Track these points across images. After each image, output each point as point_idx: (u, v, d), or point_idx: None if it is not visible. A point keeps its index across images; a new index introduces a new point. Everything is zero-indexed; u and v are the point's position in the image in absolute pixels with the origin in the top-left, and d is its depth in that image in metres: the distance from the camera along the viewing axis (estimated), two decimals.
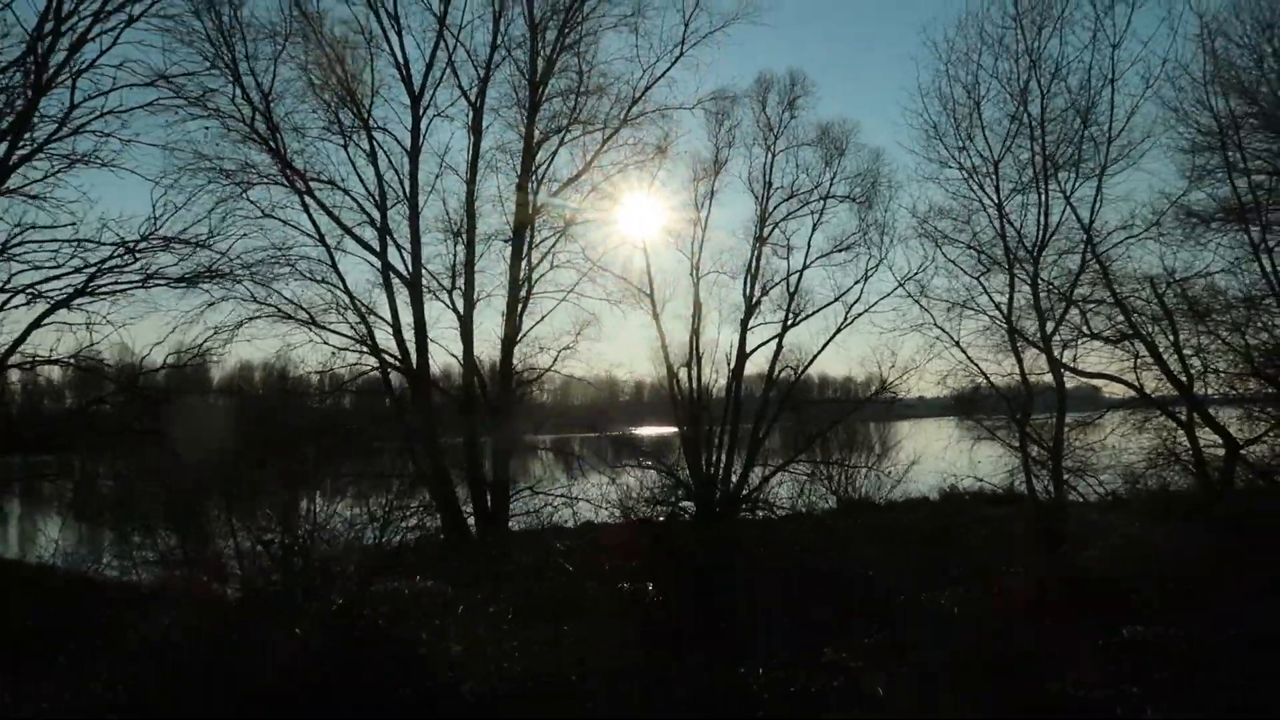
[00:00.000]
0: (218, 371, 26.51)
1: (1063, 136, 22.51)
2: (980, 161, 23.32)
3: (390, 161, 23.76)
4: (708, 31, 25.17)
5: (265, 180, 22.22)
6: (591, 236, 26.19)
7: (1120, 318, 22.00)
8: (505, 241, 24.06)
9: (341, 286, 22.83)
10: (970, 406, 24.71)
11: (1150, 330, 21.72)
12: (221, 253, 18.48)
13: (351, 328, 23.17)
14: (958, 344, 23.98)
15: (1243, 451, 20.12)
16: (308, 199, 22.82)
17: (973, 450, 24.94)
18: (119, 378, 19.38)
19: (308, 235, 22.91)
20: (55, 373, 21.59)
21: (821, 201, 27.23)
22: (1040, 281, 22.55)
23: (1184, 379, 20.66)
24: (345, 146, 23.29)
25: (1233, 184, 19.91)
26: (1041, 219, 22.59)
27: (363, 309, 23.09)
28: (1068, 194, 22.14)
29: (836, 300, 26.89)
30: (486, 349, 25.73)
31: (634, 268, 27.58)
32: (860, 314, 26.81)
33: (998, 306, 23.43)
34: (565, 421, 31.98)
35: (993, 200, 23.12)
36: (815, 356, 27.34)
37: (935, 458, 27.37)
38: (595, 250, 26.10)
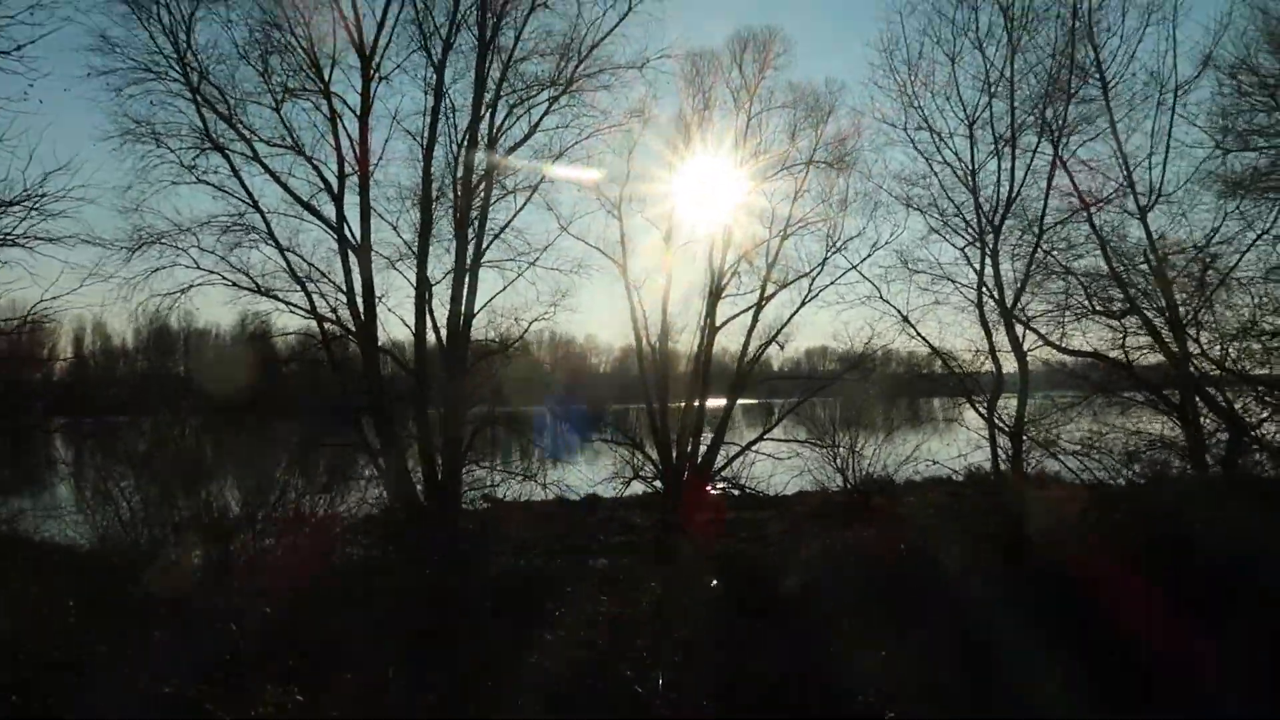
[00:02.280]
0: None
1: (1046, 92, 21.15)
2: (957, 124, 22.14)
3: (344, 127, 23.15)
4: None
5: (206, 146, 21.63)
6: (565, 203, 25.44)
7: (1115, 292, 20.74)
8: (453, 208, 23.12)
9: (280, 255, 22.19)
10: (930, 386, 23.56)
11: (1146, 305, 20.43)
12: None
13: (307, 296, 22.61)
14: (905, 319, 22.82)
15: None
16: (256, 166, 22.32)
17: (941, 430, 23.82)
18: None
19: (243, 202, 22.29)
20: None
21: (804, 168, 26.14)
22: (1003, 251, 21.38)
23: (1183, 359, 19.32)
24: (280, 111, 22.44)
25: None
26: (1006, 184, 21.31)
27: (302, 276, 22.44)
28: (1061, 154, 20.70)
29: (812, 272, 25.81)
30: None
31: (609, 237, 26.75)
32: (827, 285, 25.71)
33: (974, 281, 22.29)
34: (540, 393, 31.25)
35: (966, 165, 21.95)
36: (778, 332, 26.25)
37: (903, 440, 26.10)
38: (572, 217, 25.33)
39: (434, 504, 22.29)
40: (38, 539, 17.21)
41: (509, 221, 24.19)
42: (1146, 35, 19.81)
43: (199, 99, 21.60)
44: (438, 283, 23.31)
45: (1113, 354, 21.16)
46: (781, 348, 27.49)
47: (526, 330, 25.73)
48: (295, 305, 22.61)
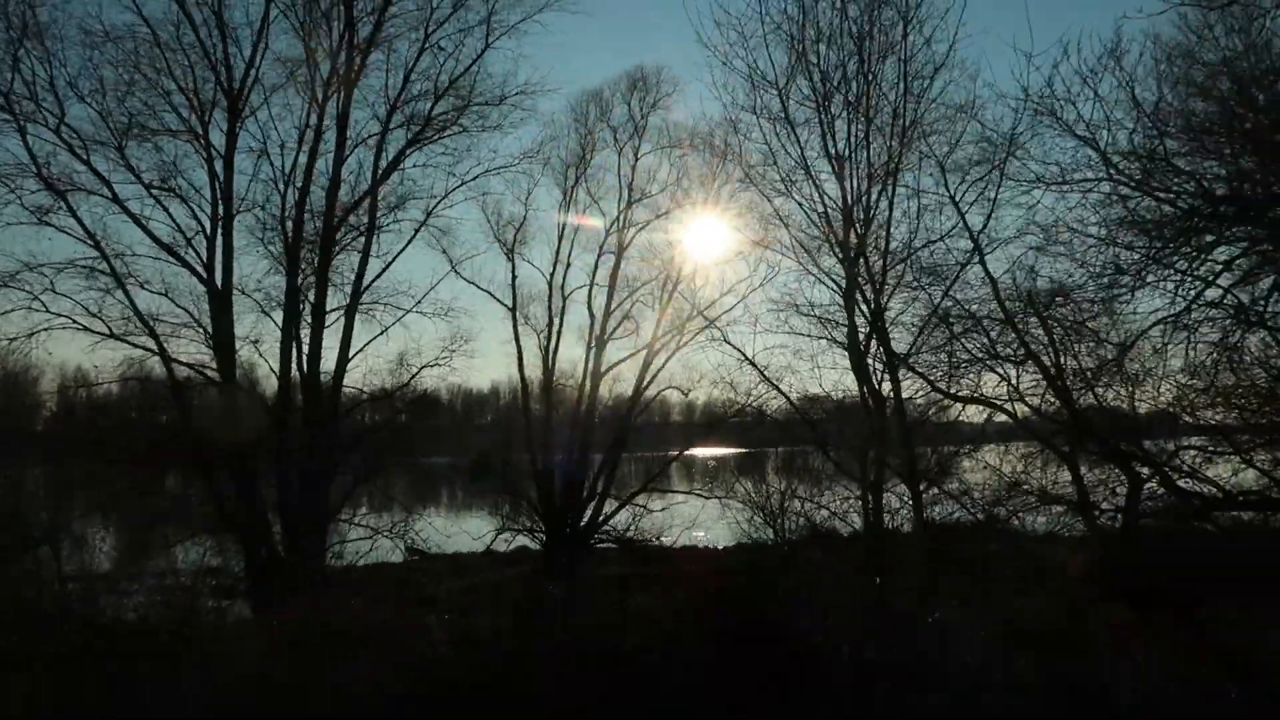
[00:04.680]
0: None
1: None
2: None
3: (213, 170, 22.54)
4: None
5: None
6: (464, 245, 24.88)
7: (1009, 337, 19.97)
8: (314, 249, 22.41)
9: (127, 300, 21.42)
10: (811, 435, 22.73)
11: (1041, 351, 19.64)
12: None
13: (155, 339, 21.73)
14: (751, 361, 22.20)
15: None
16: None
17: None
18: None
19: (82, 242, 21.51)
20: None
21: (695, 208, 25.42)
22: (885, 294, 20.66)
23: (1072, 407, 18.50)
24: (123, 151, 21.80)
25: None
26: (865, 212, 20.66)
27: (168, 320, 21.75)
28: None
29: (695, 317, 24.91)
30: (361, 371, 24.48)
31: (500, 280, 26.09)
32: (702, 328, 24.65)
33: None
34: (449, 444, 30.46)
35: (835, 204, 21.23)
36: (647, 385, 25.19)
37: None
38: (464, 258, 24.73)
39: (294, 558, 21.36)
40: None
41: (389, 264, 23.71)
42: None
43: (61, 136, 21.04)
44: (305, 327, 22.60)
45: (1006, 404, 20.41)
46: (685, 394, 26.70)
47: (413, 378, 25.12)
48: (147, 349, 21.76)
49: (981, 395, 20.87)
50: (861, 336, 21.59)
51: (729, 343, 23.18)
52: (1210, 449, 16.40)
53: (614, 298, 25.11)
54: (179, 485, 21.77)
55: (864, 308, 21.52)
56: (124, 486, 18.92)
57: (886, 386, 22.01)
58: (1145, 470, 17.78)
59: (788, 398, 21.93)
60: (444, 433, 30.33)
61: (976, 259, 20.26)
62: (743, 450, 28.92)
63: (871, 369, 21.76)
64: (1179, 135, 15.70)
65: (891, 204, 21.07)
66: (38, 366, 24.06)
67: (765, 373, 23.10)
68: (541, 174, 25.56)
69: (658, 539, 25.26)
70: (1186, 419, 17.23)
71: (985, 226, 19.80)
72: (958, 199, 20.20)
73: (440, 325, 25.08)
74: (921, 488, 21.59)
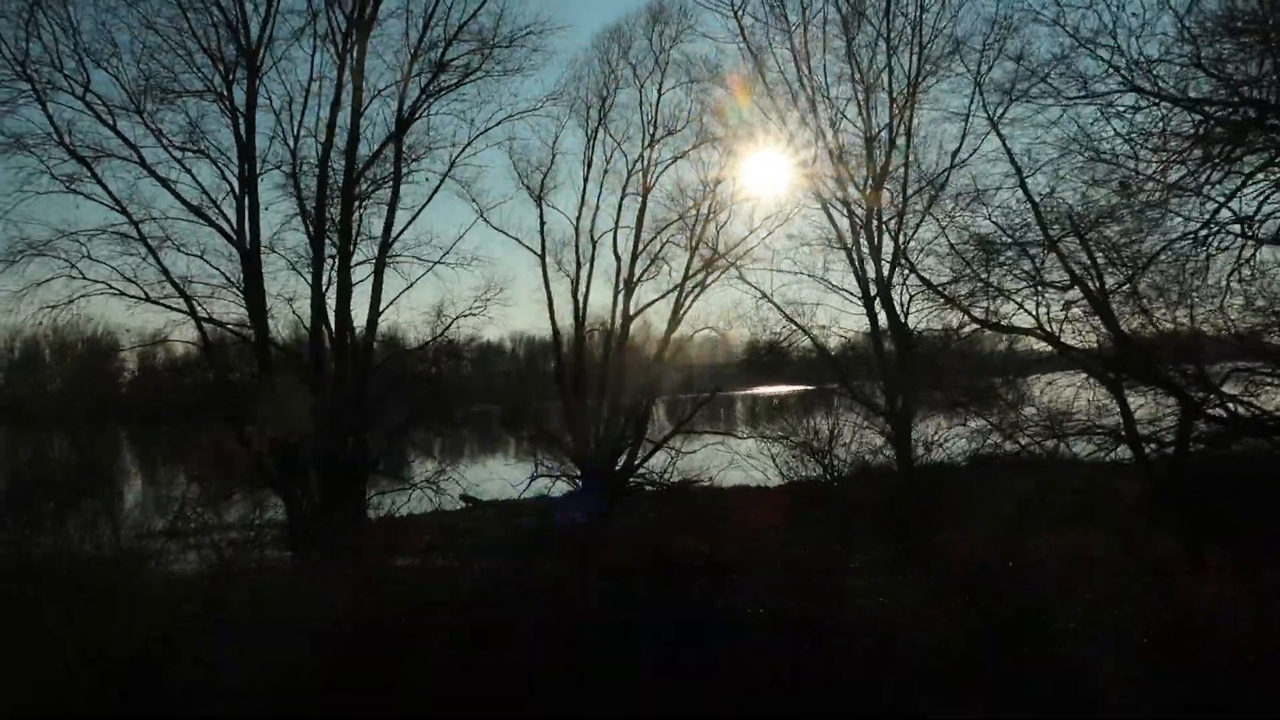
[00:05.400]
0: None
1: None
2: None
3: (238, 130, 22.31)
4: None
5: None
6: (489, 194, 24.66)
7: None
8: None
9: (156, 261, 21.45)
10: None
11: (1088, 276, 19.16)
12: None
13: (186, 300, 21.77)
14: (769, 297, 22.38)
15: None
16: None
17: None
18: None
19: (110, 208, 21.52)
20: None
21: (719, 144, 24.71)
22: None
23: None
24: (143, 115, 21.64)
25: None
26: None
27: (180, 281, 21.74)
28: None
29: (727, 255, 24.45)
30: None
31: (529, 226, 25.66)
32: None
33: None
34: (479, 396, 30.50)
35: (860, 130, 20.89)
36: (677, 325, 24.95)
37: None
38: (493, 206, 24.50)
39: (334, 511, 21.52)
40: None
41: (416, 214, 23.57)
42: None
43: (85, 103, 20.96)
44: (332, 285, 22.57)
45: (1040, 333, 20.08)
46: (720, 335, 26.39)
47: (446, 328, 25.06)
48: (181, 311, 21.81)
49: (1015, 325, 20.72)
50: (885, 268, 21.33)
51: (745, 280, 23.23)
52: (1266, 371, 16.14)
53: (640, 239, 24.75)
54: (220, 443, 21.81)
55: (889, 238, 21.24)
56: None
57: (914, 319, 21.84)
58: (1199, 394, 17.53)
59: (806, 332, 21.81)
60: (489, 381, 30.33)
61: (1015, 181, 19.82)
62: (806, 388, 28.51)
63: (897, 302, 21.56)
64: None
65: (909, 132, 20.70)
66: (112, 332, 24.29)
67: (786, 310, 23.03)
68: (568, 117, 24.95)
69: (704, 481, 25.33)
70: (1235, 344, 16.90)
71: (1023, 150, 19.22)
72: (995, 119, 19.73)
73: (475, 276, 24.93)
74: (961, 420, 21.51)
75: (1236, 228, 15.86)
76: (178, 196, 21.94)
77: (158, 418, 21.47)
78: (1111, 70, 15.58)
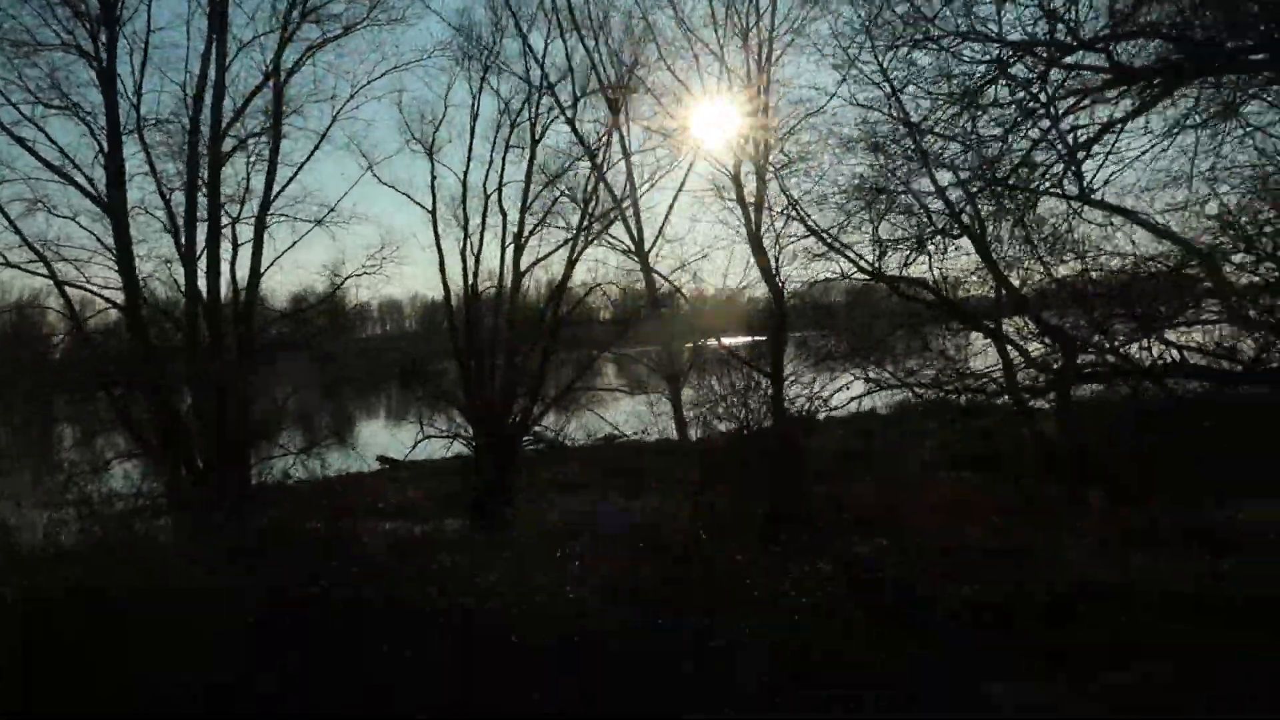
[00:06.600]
0: None
1: None
2: None
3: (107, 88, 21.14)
4: None
5: None
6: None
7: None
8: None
9: (11, 226, 20.52)
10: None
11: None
12: None
13: (46, 264, 20.81)
14: (642, 252, 21.72)
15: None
16: None
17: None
18: None
19: None
20: None
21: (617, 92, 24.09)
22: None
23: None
24: None
25: None
26: None
27: (54, 245, 20.84)
28: None
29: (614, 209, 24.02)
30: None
31: (418, 183, 25.11)
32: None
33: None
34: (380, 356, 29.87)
35: None
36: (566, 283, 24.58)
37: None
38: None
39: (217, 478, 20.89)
40: None
41: (297, 171, 22.67)
42: None
43: None
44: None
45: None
46: (617, 291, 26.10)
47: (337, 288, 24.67)
48: (42, 275, 20.86)
49: (908, 276, 20.58)
50: (768, 219, 21.07)
51: (613, 238, 22.51)
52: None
53: (530, 194, 24.19)
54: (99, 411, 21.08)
55: (777, 187, 20.92)
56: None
57: (797, 271, 21.58)
58: (1080, 340, 17.62)
59: (676, 288, 21.51)
60: (390, 341, 29.72)
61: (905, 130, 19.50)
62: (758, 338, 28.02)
63: (773, 256, 21.32)
64: None
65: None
66: None
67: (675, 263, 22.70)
68: (458, 70, 24.28)
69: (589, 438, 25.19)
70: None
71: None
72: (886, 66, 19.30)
73: (373, 235, 24.34)
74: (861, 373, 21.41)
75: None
76: (38, 157, 20.75)
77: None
78: None
